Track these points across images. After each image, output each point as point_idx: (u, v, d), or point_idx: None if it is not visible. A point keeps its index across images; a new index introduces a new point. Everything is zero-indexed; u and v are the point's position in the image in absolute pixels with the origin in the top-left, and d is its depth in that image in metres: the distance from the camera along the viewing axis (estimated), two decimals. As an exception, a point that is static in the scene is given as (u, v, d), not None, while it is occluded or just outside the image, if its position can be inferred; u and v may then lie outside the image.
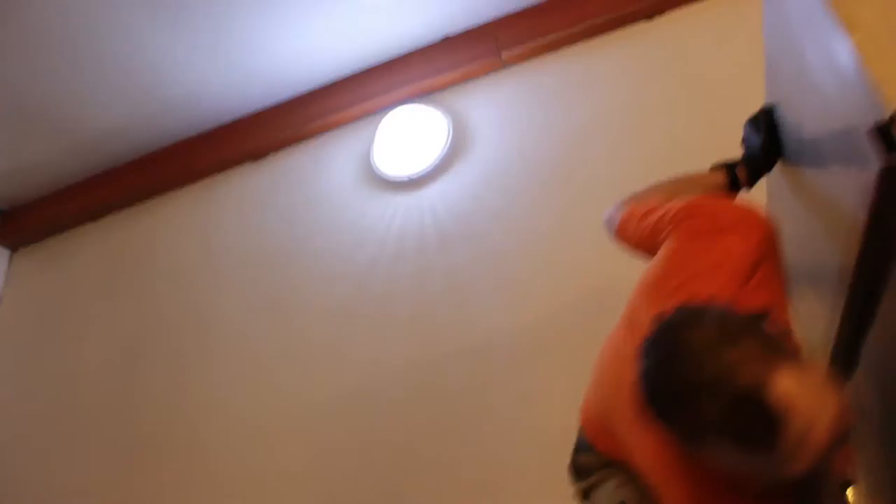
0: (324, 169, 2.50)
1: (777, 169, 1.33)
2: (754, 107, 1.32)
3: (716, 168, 1.32)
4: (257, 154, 2.61)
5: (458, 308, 2.11)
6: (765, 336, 0.88)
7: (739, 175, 1.30)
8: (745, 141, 1.34)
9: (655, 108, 2.18)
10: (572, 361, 1.84)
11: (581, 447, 1.34)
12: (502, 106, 2.37)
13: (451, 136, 2.33)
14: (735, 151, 1.34)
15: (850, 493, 1.30)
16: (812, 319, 1.24)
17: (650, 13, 2.31)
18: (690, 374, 0.86)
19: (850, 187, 0.88)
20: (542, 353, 1.98)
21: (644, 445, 1.06)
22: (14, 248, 2.89)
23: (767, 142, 1.30)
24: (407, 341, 2.12)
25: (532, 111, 2.34)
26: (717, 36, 2.17)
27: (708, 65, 2.16)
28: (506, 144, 2.31)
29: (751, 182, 1.31)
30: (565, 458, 1.79)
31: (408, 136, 2.37)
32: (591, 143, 2.21)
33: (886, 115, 0.71)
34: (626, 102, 2.23)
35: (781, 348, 0.87)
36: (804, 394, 0.82)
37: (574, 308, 1.99)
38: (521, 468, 1.88)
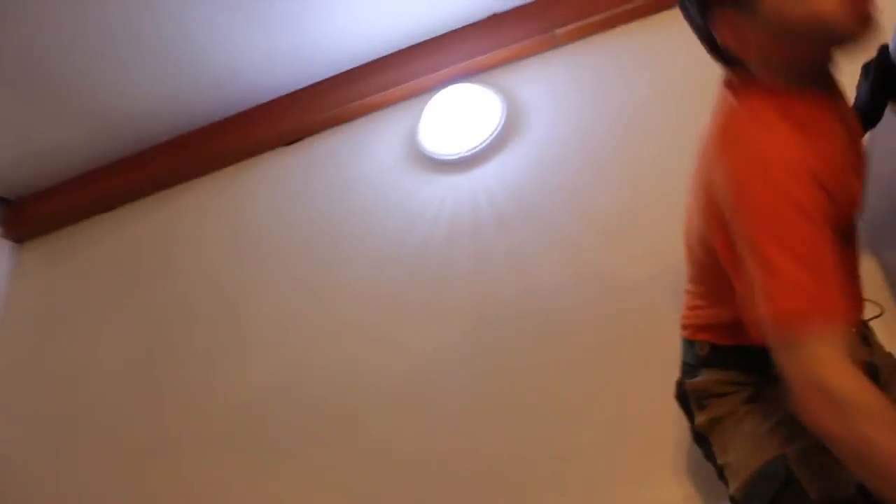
0: (367, 150, 2.38)
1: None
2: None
3: None
4: (295, 135, 2.46)
5: (522, 288, 1.98)
6: None
7: None
8: (857, 88, 1.26)
9: (712, 85, 2.08)
10: (646, 339, 1.80)
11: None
12: (556, 84, 2.26)
13: (504, 115, 2.22)
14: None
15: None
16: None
17: (707, -9, 2.23)
18: None
19: None
20: (614, 332, 1.86)
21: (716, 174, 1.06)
22: (20, 240, 2.71)
23: (876, 84, 1.22)
24: (466, 326, 1.98)
25: (586, 89, 2.23)
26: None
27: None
28: (561, 122, 2.20)
29: (864, 128, 1.22)
30: (642, 442, 1.71)
31: (458, 115, 2.24)
32: (647, 120, 2.11)
33: None
34: (681, 81, 2.10)
35: None
36: None
37: (643, 283, 1.88)
38: (594, 456, 1.75)
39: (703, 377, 1.29)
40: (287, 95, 2.47)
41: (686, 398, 1.33)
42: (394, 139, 2.35)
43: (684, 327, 1.34)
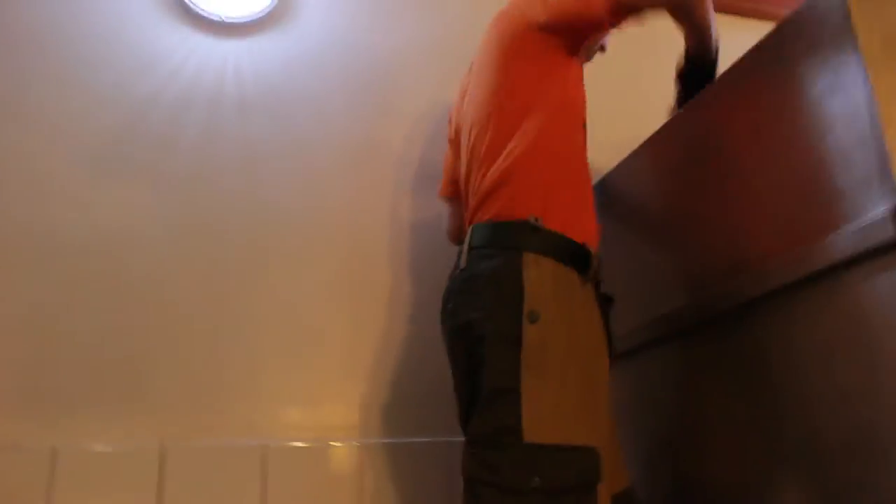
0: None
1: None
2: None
3: None
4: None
5: (249, 179, 1.93)
6: None
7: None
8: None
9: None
10: (355, 254, 1.92)
11: None
12: None
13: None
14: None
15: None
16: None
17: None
18: None
19: None
20: (325, 243, 1.92)
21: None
22: None
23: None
24: (185, 194, 1.88)
25: (375, 8, 2.21)
26: None
27: None
28: (333, 28, 2.14)
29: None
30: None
31: None
32: (417, 63, 2.19)
33: None
34: (461, 24, 2.21)
35: None
36: None
37: (367, 200, 2.00)
38: (283, 348, 1.81)
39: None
40: None
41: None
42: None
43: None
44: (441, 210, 1.93)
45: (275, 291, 1.84)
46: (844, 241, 1.11)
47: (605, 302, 1.46)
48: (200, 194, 1.87)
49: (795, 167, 1.22)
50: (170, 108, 1.93)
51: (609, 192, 1.80)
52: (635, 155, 1.71)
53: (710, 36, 1.51)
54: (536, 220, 1.34)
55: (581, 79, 1.54)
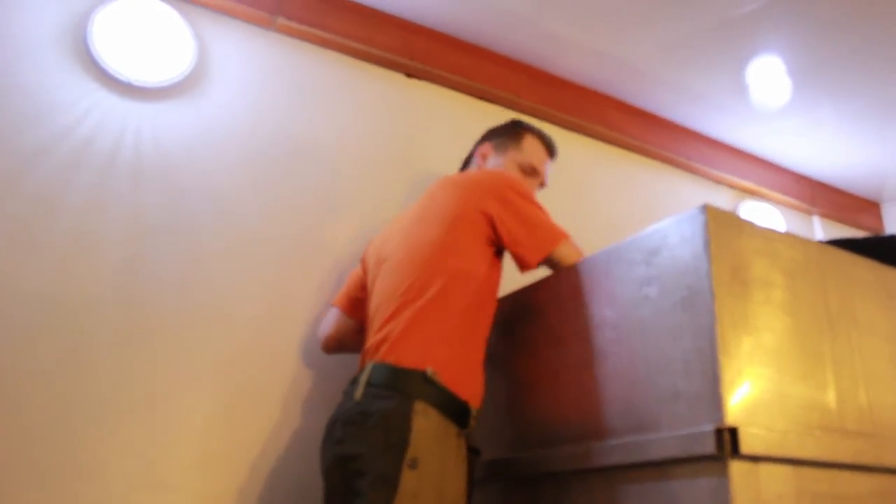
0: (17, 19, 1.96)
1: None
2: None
3: None
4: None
5: (134, 253, 1.91)
6: None
7: None
8: None
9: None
10: (232, 347, 1.93)
11: None
12: (260, 65, 2.25)
13: (194, 64, 2.10)
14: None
15: None
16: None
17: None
18: None
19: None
20: (203, 332, 1.92)
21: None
22: None
23: None
24: (61, 261, 1.82)
25: (286, 93, 2.26)
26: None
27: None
28: (241, 107, 2.18)
29: None
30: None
31: (138, 33, 2.04)
32: (320, 152, 2.25)
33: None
34: (368, 121, 2.34)
35: None
36: None
37: (254, 290, 2.01)
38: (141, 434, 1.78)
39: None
40: None
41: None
42: (58, 24, 2.00)
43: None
44: (323, 305, 1.99)
45: (141, 372, 1.82)
46: (675, 441, 1.26)
47: (473, 454, 1.61)
48: (78, 263, 1.83)
49: (645, 361, 1.37)
50: (58, 164, 1.88)
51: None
52: (508, 298, 1.83)
53: None
54: (433, 373, 1.49)
55: (501, 267, 1.74)
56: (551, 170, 2.07)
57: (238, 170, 2.10)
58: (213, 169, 2.07)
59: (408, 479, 1.38)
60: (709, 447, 1.19)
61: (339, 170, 2.25)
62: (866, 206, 3.71)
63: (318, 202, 2.19)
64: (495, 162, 1.98)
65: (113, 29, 2.01)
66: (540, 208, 1.73)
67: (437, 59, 2.50)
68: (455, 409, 1.51)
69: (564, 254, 1.66)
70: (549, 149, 2.05)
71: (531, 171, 1.97)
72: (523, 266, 1.67)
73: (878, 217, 3.72)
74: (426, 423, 1.44)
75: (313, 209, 2.17)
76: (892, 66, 2.64)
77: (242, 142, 2.13)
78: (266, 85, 2.23)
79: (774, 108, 2.94)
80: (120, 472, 1.73)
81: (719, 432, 1.18)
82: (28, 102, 1.90)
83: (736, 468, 1.17)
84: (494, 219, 1.64)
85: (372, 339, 1.61)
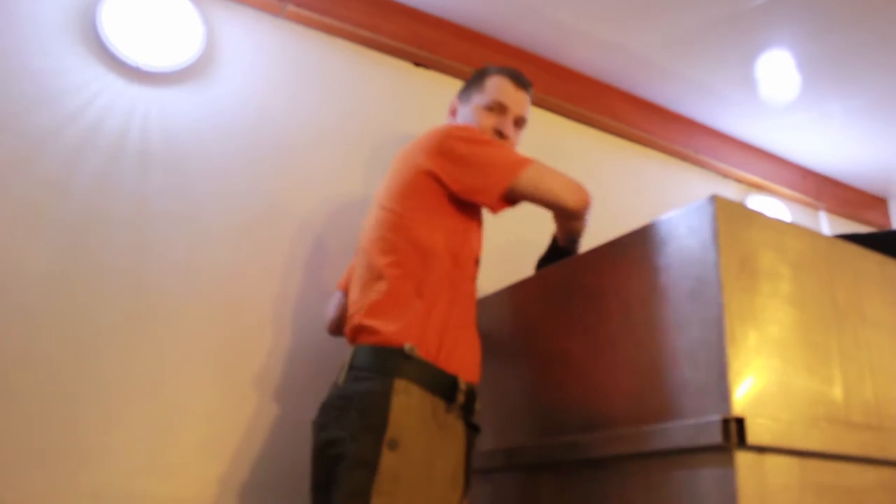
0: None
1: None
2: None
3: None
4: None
5: (139, 236, 1.92)
6: None
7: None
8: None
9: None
10: (233, 330, 1.94)
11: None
12: (268, 52, 2.25)
13: (202, 49, 2.10)
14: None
15: None
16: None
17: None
18: None
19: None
20: (205, 314, 1.93)
21: None
22: None
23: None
24: (69, 241, 1.83)
25: (293, 81, 2.26)
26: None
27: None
28: (248, 93, 2.18)
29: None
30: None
31: (147, 18, 2.04)
32: (326, 141, 2.25)
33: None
34: (373, 111, 2.34)
35: None
36: None
37: (257, 274, 2.02)
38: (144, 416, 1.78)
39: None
40: None
41: None
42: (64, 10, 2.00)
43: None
44: (328, 291, 1.99)
45: (145, 357, 1.83)
46: (682, 431, 1.26)
47: (473, 431, 1.57)
48: (85, 244, 1.83)
49: (653, 352, 1.37)
50: (66, 148, 1.88)
51: (482, 317, 1.91)
52: (519, 286, 1.83)
53: (576, 240, 1.78)
54: (411, 348, 1.46)
55: (477, 219, 1.68)
56: (526, 102, 1.89)
57: (245, 155, 2.10)
58: (219, 154, 2.07)
59: (387, 460, 1.35)
60: (715, 437, 1.19)
61: (345, 157, 2.25)
62: (873, 202, 3.70)
63: (324, 189, 2.19)
64: (462, 113, 1.88)
65: (122, 13, 2.01)
66: (489, 143, 1.66)
67: (445, 48, 2.49)
68: (440, 384, 1.47)
69: (529, 180, 1.59)
70: (515, 80, 1.87)
71: (499, 108, 1.82)
72: (491, 211, 1.63)
73: (885, 213, 3.71)
74: (407, 401, 1.41)
75: (319, 195, 2.17)
76: (902, 62, 2.63)
77: (250, 128, 2.13)
78: (274, 72, 2.23)
79: (783, 103, 2.93)
80: (123, 457, 1.74)
81: (726, 422, 1.18)
82: (37, 86, 1.89)
83: (742, 459, 1.17)
84: (439, 174, 1.59)
85: (349, 324, 1.59)
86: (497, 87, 1.85)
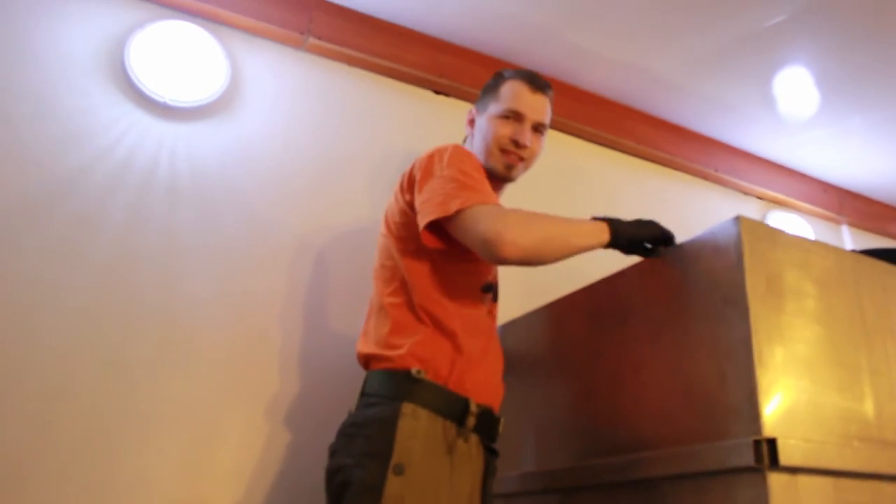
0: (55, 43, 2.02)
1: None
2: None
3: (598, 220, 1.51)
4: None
5: (169, 272, 1.95)
6: None
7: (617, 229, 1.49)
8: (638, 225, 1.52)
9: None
10: (266, 364, 1.96)
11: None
12: (291, 84, 2.29)
13: (227, 84, 2.14)
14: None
15: None
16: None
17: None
18: None
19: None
20: (237, 348, 1.95)
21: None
22: None
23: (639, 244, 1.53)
24: (100, 277, 1.86)
25: (318, 115, 2.30)
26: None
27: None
28: (273, 127, 2.21)
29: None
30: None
31: (173, 55, 2.09)
32: (351, 175, 2.28)
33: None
34: (397, 145, 2.38)
35: None
36: None
37: (287, 309, 2.04)
38: (176, 448, 1.80)
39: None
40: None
41: None
42: (92, 45, 2.06)
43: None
44: (357, 319, 2.01)
45: (178, 389, 1.85)
46: (714, 453, 1.26)
47: (491, 455, 1.55)
48: (116, 280, 1.87)
49: (682, 373, 1.38)
50: (98, 185, 1.92)
51: (510, 340, 1.92)
52: (548, 308, 1.84)
53: (577, 244, 1.46)
54: (419, 372, 1.45)
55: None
56: (544, 106, 1.77)
57: (271, 188, 2.13)
58: (246, 187, 2.10)
59: (392, 485, 1.34)
60: (747, 459, 1.19)
61: (370, 187, 2.28)
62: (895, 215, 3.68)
63: (350, 219, 2.21)
64: (479, 124, 1.78)
65: (149, 52, 2.06)
66: (444, 178, 1.51)
67: (465, 76, 2.52)
68: (450, 407, 1.45)
69: (464, 222, 1.43)
70: (531, 83, 1.76)
71: (515, 116, 1.71)
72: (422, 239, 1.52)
73: (909, 227, 3.69)
74: (414, 425, 1.40)
75: (346, 226, 2.20)
76: (922, 75, 2.63)
77: (275, 160, 2.17)
78: (297, 104, 2.27)
79: (803, 119, 2.93)
80: (157, 488, 1.76)
81: (758, 443, 1.18)
82: (69, 125, 1.94)
83: (775, 480, 1.17)
84: (412, 208, 1.57)
85: (361, 352, 1.60)
86: (512, 93, 1.75)
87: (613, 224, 1.49)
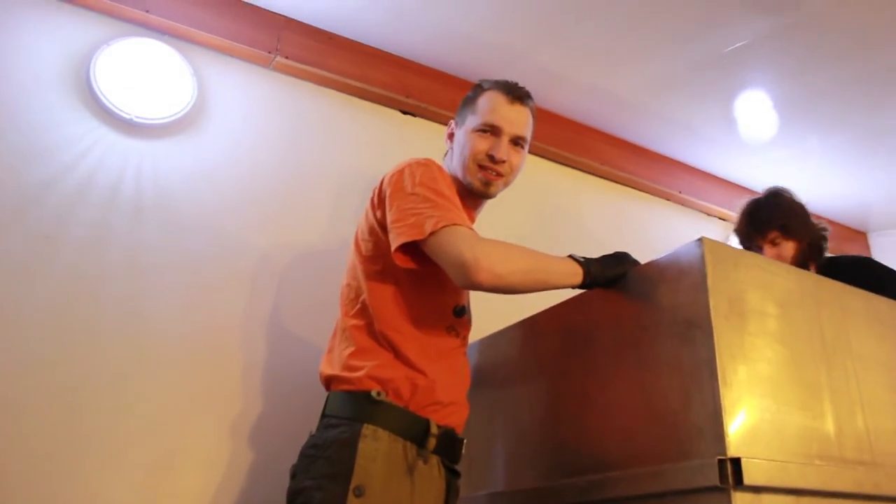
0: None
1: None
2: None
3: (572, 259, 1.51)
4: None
5: (133, 288, 1.93)
6: None
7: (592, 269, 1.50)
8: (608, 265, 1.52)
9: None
10: (228, 381, 1.95)
11: None
12: (259, 103, 2.29)
13: (193, 101, 2.14)
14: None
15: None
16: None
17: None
18: None
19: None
20: (202, 365, 1.94)
21: None
22: None
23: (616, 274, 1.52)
24: (63, 294, 1.84)
25: (283, 132, 2.30)
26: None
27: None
28: (239, 144, 2.21)
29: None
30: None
31: (139, 72, 2.08)
32: (317, 192, 2.29)
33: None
34: (365, 160, 2.39)
35: None
36: None
37: (252, 327, 2.03)
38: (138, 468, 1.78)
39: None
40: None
41: None
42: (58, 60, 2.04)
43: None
44: (323, 338, 2.00)
45: (142, 407, 1.83)
46: (679, 473, 1.27)
47: (453, 476, 1.55)
48: (80, 297, 1.84)
49: (646, 394, 1.39)
50: (60, 201, 1.90)
51: (478, 357, 1.92)
52: (512, 329, 1.85)
53: (550, 282, 1.48)
54: (379, 394, 1.45)
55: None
56: (524, 117, 1.72)
57: (236, 206, 2.13)
58: (212, 204, 2.09)
59: None
60: (712, 479, 1.20)
61: (337, 206, 2.28)
62: (853, 236, 3.76)
63: (316, 238, 2.21)
64: (458, 138, 1.73)
65: (115, 68, 2.05)
66: (417, 196, 1.49)
67: (432, 96, 2.54)
68: (411, 428, 1.45)
69: (439, 243, 1.41)
70: (509, 94, 1.70)
71: (492, 130, 1.67)
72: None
73: (866, 246, 3.77)
74: (374, 447, 1.40)
75: (312, 245, 2.19)
76: (877, 100, 2.70)
77: (241, 178, 2.16)
78: (264, 122, 2.26)
79: (762, 141, 3.00)
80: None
81: (722, 463, 1.20)
82: (32, 140, 1.92)
83: (739, 499, 1.18)
84: (382, 227, 1.56)
85: (323, 373, 1.59)
86: (489, 105, 1.69)
87: (586, 266, 1.49)
